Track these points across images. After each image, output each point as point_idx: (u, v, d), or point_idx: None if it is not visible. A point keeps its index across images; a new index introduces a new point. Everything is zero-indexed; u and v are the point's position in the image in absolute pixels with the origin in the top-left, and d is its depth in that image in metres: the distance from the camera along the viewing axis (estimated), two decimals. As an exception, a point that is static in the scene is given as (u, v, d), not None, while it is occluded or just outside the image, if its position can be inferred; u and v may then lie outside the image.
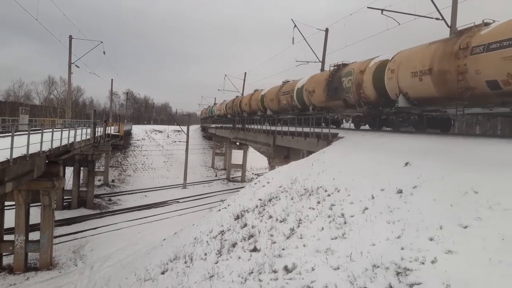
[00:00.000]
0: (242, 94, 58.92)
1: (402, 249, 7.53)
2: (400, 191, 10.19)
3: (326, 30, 32.72)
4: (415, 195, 9.70)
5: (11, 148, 12.41)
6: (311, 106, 26.74)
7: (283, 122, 29.13)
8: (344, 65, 22.63)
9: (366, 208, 10.15)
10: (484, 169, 9.40)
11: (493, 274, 5.99)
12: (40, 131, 16.33)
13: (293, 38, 32.61)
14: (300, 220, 11.25)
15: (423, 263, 6.86)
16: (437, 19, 19.87)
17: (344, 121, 27.08)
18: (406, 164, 11.90)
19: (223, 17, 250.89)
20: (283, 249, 9.84)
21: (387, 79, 17.20)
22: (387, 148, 14.74)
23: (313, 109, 26.64)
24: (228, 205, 16.39)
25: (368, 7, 21.74)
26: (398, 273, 6.90)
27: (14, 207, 18.96)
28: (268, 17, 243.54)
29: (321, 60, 32.84)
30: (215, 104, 78.81)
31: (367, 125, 22.59)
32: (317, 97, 25.40)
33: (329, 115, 24.68)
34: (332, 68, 23.88)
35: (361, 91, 19.75)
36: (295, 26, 31.88)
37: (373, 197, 10.59)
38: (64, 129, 20.50)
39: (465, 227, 7.42)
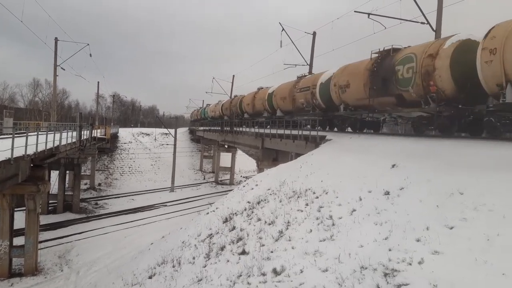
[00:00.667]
0: (231, 97, 58.86)
1: (390, 250, 7.59)
2: (387, 193, 10.29)
3: (314, 34, 32.98)
4: (402, 196, 9.80)
5: (-5, 152, 12.20)
6: (342, 105, 21.37)
7: (272, 125, 29.11)
8: (396, 50, 17.64)
9: (354, 210, 10.22)
10: (469, 171, 9.55)
11: (478, 274, 6.07)
12: (25, 134, 16.07)
13: (281, 41, 32.84)
14: (288, 222, 11.26)
15: (410, 264, 6.92)
16: (422, 23, 20.23)
17: (383, 124, 22.05)
18: (393, 166, 12.03)
19: (209, 19, 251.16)
20: (272, 252, 9.83)
21: (482, 63, 12.24)
22: (375, 150, 14.88)
23: (345, 108, 21.31)
24: (217, 208, 16.33)
25: (355, 11, 22.00)
26: (385, 274, 6.96)
27: (-3, 211, 18.59)
28: (255, 20, 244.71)
29: (309, 63, 33.07)
30: (208, 105, 71.90)
31: (422, 130, 17.92)
32: (352, 93, 19.95)
33: (371, 116, 19.89)
34: (375, 56, 18.78)
35: (430, 82, 14.79)
36: (283, 29, 32.08)
37: (360, 199, 10.67)
38: (49, 132, 20.20)
39: (451, 228, 7.52)
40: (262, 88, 37.73)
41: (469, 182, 8.90)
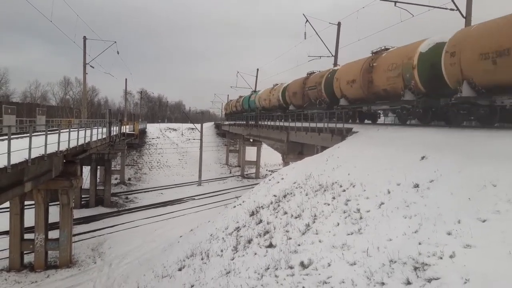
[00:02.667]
0: (255, 90, 58.91)
1: (420, 244, 7.46)
2: (416, 186, 10.09)
3: (339, 24, 32.53)
4: (432, 189, 9.58)
5: (29, 149, 12.64)
6: None
7: (296, 118, 28.76)
8: None
9: (382, 203, 10.07)
10: (502, 162, 9.23)
11: (513, 268, 5.89)
12: (57, 131, 16.60)
13: (305, 33, 32.47)
14: (315, 215, 11.23)
15: (441, 258, 6.78)
16: (451, 9, 19.61)
17: None
18: (423, 158, 11.76)
19: (229, 14, 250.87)
20: (299, 245, 9.84)
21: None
22: (402, 142, 14.58)
23: None
24: (243, 202, 16.45)
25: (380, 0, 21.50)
26: (416, 268, 6.85)
27: (33, 206, 19.35)
28: (274, 13, 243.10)
29: (333, 54, 32.66)
30: (254, 92, 55.13)
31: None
32: None
33: None
34: None
35: None
36: (307, 21, 31.74)
37: (389, 192, 10.51)
38: (80, 129, 20.80)
39: (484, 221, 7.31)
40: (388, 49, 20.84)
41: (502, 174, 8.61)
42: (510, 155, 9.51)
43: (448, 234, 7.35)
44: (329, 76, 26.78)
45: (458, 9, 19.29)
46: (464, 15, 19.01)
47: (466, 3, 19.03)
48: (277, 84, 41.08)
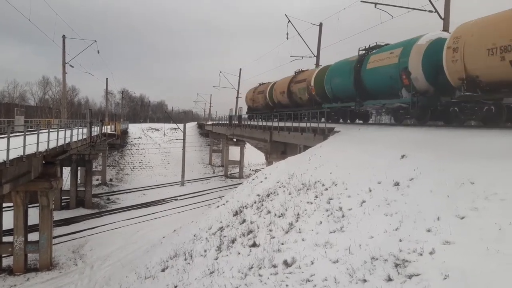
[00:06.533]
0: (238, 91, 58.96)
1: (400, 241, 7.59)
2: (397, 184, 10.26)
3: (320, 25, 32.80)
4: (412, 187, 9.77)
5: (7, 150, 12.37)
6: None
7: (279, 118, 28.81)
8: None
9: (364, 201, 10.22)
10: (480, 160, 9.47)
11: (490, 264, 6.05)
12: (36, 132, 16.28)
13: (287, 33, 32.66)
14: (298, 214, 11.31)
15: (421, 255, 6.92)
16: (430, 11, 19.99)
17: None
18: (403, 156, 11.97)
19: (208, 14, 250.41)
20: (282, 244, 9.89)
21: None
22: (383, 141, 14.81)
23: None
24: (227, 202, 16.43)
25: (361, 1, 21.77)
26: (396, 265, 6.97)
27: (12, 208, 18.91)
28: (255, 13, 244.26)
29: (315, 54, 32.91)
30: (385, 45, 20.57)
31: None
32: None
33: None
34: None
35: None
36: (289, 21, 31.91)
37: (370, 190, 10.66)
38: (60, 129, 20.42)
39: (462, 218, 7.49)
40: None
41: (480, 172, 8.83)
42: (487, 153, 9.77)
43: (428, 231, 7.51)
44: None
45: (436, 11, 19.69)
46: (443, 17, 19.41)
47: (444, 5, 19.44)
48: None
